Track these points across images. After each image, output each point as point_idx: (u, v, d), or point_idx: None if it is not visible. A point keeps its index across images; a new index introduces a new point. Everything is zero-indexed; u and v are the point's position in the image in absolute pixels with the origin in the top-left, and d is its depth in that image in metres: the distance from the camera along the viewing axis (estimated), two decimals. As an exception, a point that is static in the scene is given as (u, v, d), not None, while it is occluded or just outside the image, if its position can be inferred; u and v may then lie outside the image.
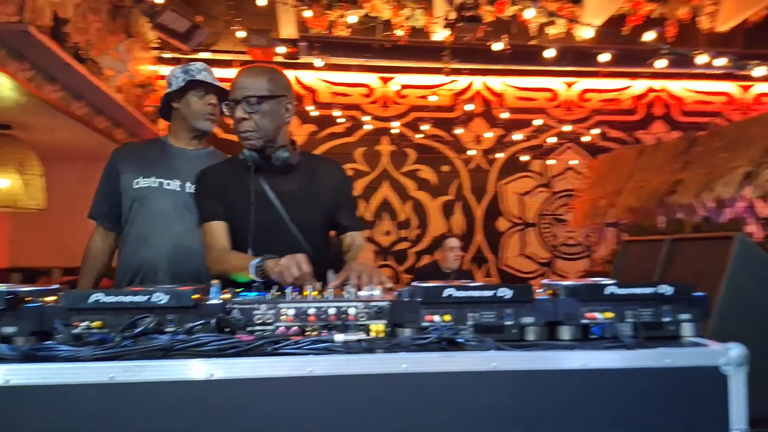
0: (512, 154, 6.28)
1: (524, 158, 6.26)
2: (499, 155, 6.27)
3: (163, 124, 4.51)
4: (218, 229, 1.81)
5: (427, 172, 6.20)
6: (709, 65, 4.29)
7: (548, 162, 6.30)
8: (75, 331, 1.02)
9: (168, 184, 2.15)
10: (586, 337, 1.13)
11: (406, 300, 1.12)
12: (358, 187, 6.06)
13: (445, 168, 6.22)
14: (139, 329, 1.01)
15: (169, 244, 2.11)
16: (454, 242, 4.63)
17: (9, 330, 1.02)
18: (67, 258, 4.57)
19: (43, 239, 5.07)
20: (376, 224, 6.08)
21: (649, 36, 4.24)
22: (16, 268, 5.13)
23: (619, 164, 4.88)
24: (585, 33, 4.80)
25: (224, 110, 1.81)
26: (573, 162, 6.32)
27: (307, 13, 4.93)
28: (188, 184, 2.15)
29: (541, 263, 6.30)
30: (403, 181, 6.18)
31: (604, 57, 4.89)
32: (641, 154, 4.66)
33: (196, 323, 1.04)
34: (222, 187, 1.85)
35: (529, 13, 4.59)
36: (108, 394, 0.93)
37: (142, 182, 2.15)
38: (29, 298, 1.08)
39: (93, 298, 1.03)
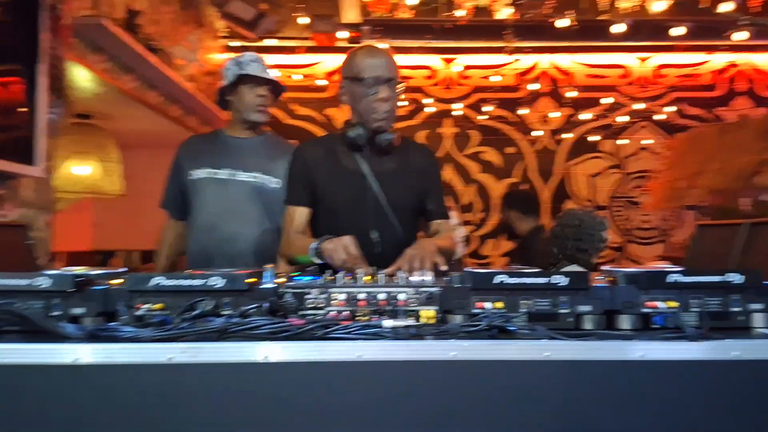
0: (581, 134, 6.06)
1: (594, 138, 6.02)
2: (567, 135, 6.06)
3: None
4: (296, 214, 1.85)
5: (491, 154, 6.08)
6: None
7: (620, 142, 6.03)
8: (137, 312, 1.07)
9: (216, 174, 2.24)
10: (647, 328, 1.08)
11: (456, 286, 1.10)
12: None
13: (510, 150, 6.07)
14: (196, 312, 1.05)
15: (218, 232, 2.20)
16: None
17: (78, 311, 1.08)
18: (144, 241, 4.78)
19: (123, 223, 5.34)
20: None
21: (727, 6, 3.94)
22: (98, 251, 5.44)
23: (700, 143, 4.59)
24: (659, 5, 4.52)
25: (354, 87, 1.78)
26: (647, 141, 6.02)
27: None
28: (239, 172, 2.24)
29: (612, 248, 6.06)
30: (466, 163, 6.09)
31: (680, 30, 4.60)
32: (724, 132, 4.38)
33: (249, 307, 1.06)
34: (316, 165, 1.86)
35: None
36: (166, 373, 0.97)
37: (194, 174, 2.26)
38: (98, 281, 1.14)
39: (153, 281, 1.08)
